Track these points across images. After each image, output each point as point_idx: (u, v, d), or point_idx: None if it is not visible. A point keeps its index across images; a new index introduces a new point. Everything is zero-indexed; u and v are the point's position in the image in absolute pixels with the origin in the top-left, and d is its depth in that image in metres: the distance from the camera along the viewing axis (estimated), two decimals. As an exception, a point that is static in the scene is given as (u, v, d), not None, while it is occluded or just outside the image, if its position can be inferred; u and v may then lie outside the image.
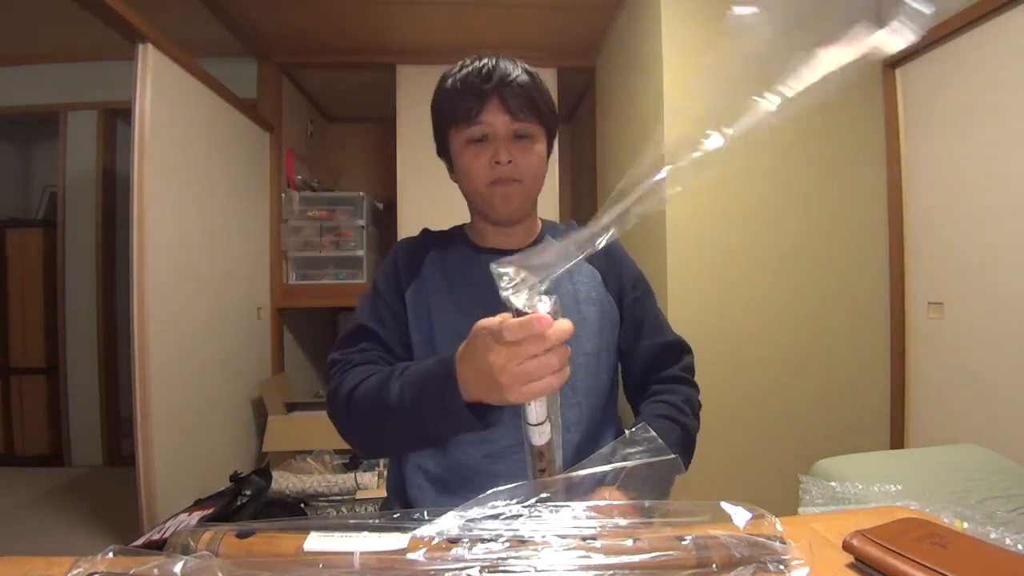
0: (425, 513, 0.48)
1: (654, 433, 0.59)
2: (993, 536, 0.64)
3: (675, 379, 0.81)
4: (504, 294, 0.49)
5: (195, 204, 1.99)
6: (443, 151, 0.82)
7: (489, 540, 0.45)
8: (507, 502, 0.49)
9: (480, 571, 0.42)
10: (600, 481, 0.57)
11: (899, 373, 1.82)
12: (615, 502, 0.54)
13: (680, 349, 0.84)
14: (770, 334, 1.81)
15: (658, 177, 0.49)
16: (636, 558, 0.44)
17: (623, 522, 0.48)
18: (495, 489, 0.50)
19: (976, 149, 1.55)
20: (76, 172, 2.88)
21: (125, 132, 2.87)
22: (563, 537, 0.45)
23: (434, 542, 0.44)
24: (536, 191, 0.79)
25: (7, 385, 2.92)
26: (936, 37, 1.63)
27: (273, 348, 2.66)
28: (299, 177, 2.81)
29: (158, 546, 0.44)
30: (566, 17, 2.33)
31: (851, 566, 0.48)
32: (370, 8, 2.26)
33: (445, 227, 0.89)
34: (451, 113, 0.75)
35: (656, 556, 0.44)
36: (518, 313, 0.51)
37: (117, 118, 2.93)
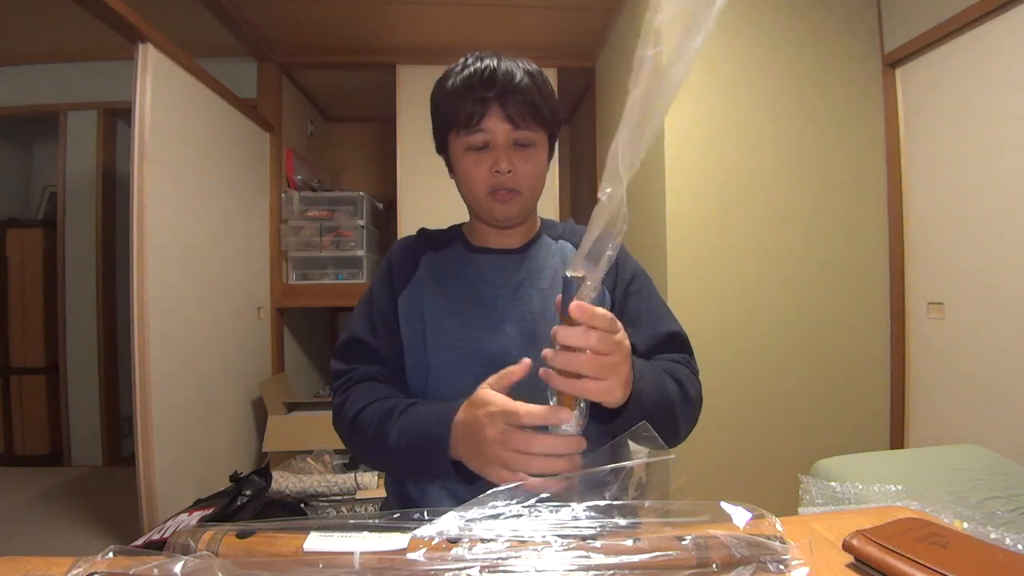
0: (425, 513, 0.48)
1: (654, 433, 0.59)
2: (993, 536, 0.64)
3: (677, 361, 0.79)
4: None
5: (195, 204, 1.99)
6: (442, 150, 0.81)
7: (489, 540, 0.45)
8: (507, 502, 0.48)
9: (480, 571, 0.42)
10: (601, 482, 0.57)
11: (899, 373, 1.82)
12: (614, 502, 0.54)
13: (682, 342, 0.81)
14: (770, 334, 1.81)
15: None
16: (636, 558, 0.44)
17: (623, 522, 0.48)
18: (495, 489, 0.50)
19: (976, 149, 1.55)
20: (76, 172, 2.88)
21: (125, 132, 2.87)
22: (563, 537, 0.45)
23: (434, 542, 0.44)
24: (536, 198, 0.79)
25: (7, 385, 2.92)
26: (936, 37, 1.64)
27: (273, 348, 2.66)
28: (299, 177, 2.81)
29: (158, 546, 0.44)
30: (566, 17, 2.33)
31: (851, 566, 0.48)
32: (370, 8, 2.26)
33: (445, 227, 0.89)
34: (451, 117, 0.74)
35: (656, 556, 0.44)
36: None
37: (117, 118, 2.93)
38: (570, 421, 0.53)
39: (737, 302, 1.80)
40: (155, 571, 0.40)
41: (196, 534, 0.46)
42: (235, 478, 1.79)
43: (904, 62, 1.80)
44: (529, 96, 0.72)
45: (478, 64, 0.72)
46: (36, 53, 2.75)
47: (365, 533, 0.45)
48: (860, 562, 0.48)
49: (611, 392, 0.54)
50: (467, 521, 0.46)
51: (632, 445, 0.59)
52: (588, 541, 0.45)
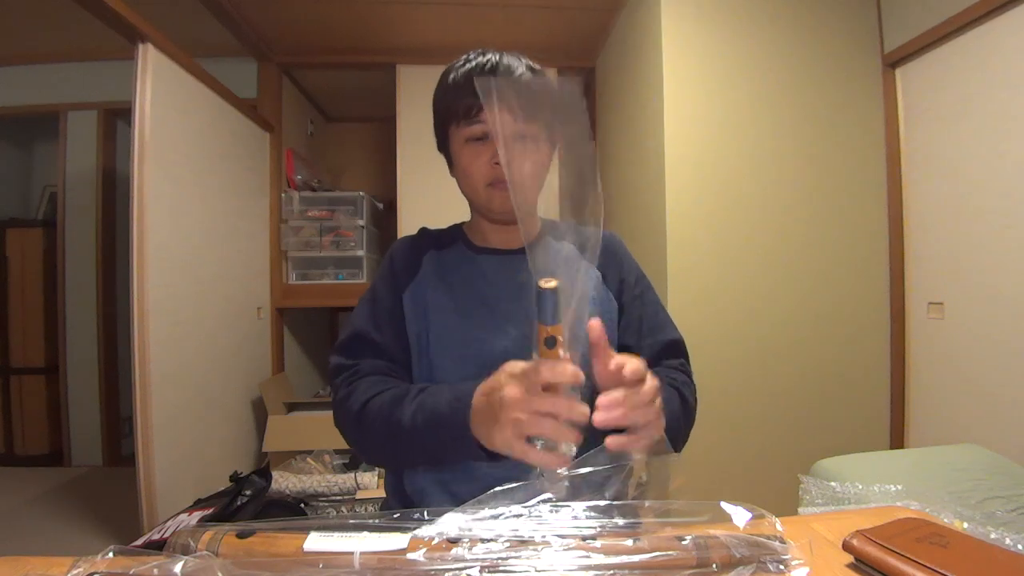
0: (425, 513, 0.48)
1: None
2: (993, 536, 0.64)
3: (673, 368, 0.80)
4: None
5: (195, 204, 1.99)
6: (443, 147, 0.81)
7: (489, 540, 0.45)
8: (507, 502, 0.48)
9: (480, 571, 0.42)
10: (601, 482, 0.57)
11: (899, 373, 1.82)
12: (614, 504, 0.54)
13: (680, 349, 0.83)
14: (770, 334, 1.81)
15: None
16: (636, 558, 0.44)
17: (623, 522, 0.48)
18: (495, 489, 0.50)
19: (976, 149, 1.55)
20: (76, 172, 2.88)
21: (125, 132, 2.87)
22: (563, 537, 0.45)
23: (434, 542, 0.44)
24: (537, 193, 0.78)
25: (7, 385, 2.92)
26: (936, 37, 1.64)
27: (273, 348, 2.66)
28: (299, 177, 2.81)
29: (158, 546, 0.44)
30: (566, 17, 2.33)
31: (851, 566, 0.48)
32: (370, 8, 2.26)
33: (445, 227, 0.88)
34: (451, 110, 0.74)
35: (656, 556, 0.44)
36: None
37: (117, 118, 2.93)
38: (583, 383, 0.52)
39: (737, 302, 1.80)
40: (155, 571, 0.40)
41: (196, 534, 0.46)
42: (235, 478, 1.79)
43: (904, 62, 1.80)
44: (530, 89, 0.72)
45: (480, 58, 0.73)
46: (36, 53, 2.75)
47: (365, 533, 0.45)
48: (860, 562, 0.48)
49: (658, 432, 0.57)
50: (467, 521, 0.46)
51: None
52: (588, 541, 0.45)
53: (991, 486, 1.14)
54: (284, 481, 1.99)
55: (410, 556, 0.43)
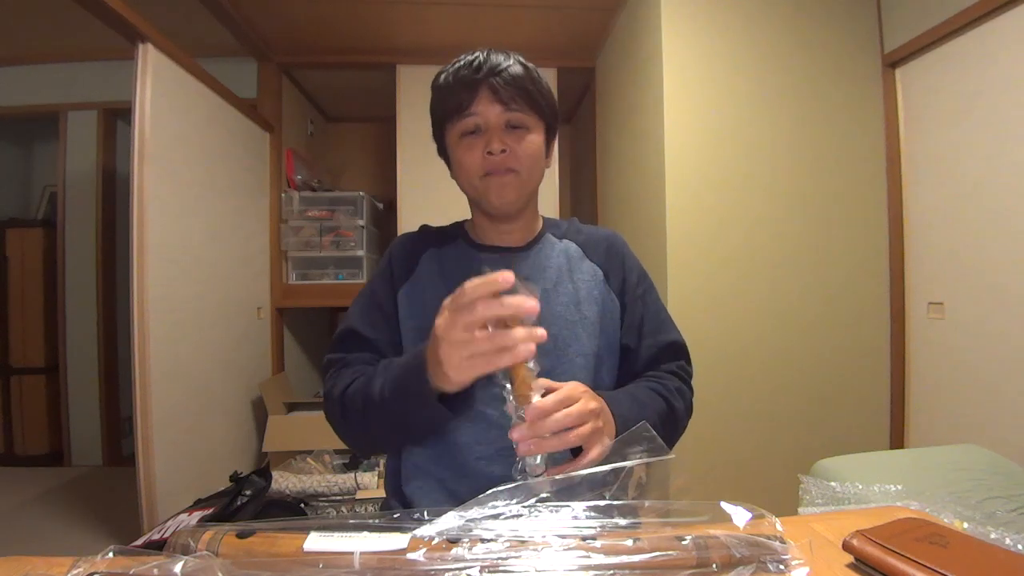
0: (425, 513, 0.48)
1: (654, 432, 0.59)
2: (993, 536, 0.64)
3: (671, 372, 0.81)
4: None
5: (195, 204, 1.99)
6: (442, 150, 0.81)
7: (489, 540, 0.45)
8: (507, 502, 0.48)
9: (480, 571, 0.42)
10: (601, 482, 0.58)
11: (899, 373, 1.82)
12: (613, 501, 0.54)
13: (681, 351, 0.83)
14: (770, 334, 1.81)
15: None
16: (636, 558, 0.44)
17: (623, 522, 0.48)
18: (495, 489, 0.49)
19: (976, 149, 1.55)
20: (76, 172, 2.88)
21: (125, 132, 2.87)
22: (563, 537, 0.45)
23: (434, 542, 0.44)
24: (534, 183, 0.78)
25: (7, 385, 2.92)
26: (936, 37, 1.64)
27: (273, 348, 2.66)
28: (299, 177, 2.81)
29: (158, 546, 0.44)
30: (566, 17, 2.33)
31: (851, 566, 0.48)
32: (370, 8, 2.26)
33: (446, 224, 0.88)
34: (444, 108, 0.74)
35: (656, 556, 0.44)
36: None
37: (117, 118, 2.93)
38: (535, 306, 0.50)
39: (737, 302, 1.80)
40: (155, 571, 0.40)
41: (196, 534, 0.46)
42: (235, 478, 1.79)
43: (904, 62, 1.80)
44: (519, 80, 0.72)
45: (468, 57, 0.73)
46: (36, 53, 2.75)
47: (365, 533, 0.45)
48: (860, 562, 0.48)
49: (602, 446, 0.59)
50: (467, 521, 0.46)
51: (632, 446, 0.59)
52: (588, 541, 0.45)
53: (991, 486, 1.14)
54: (284, 481, 1.99)
55: (410, 556, 0.43)
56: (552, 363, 0.72)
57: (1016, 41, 1.42)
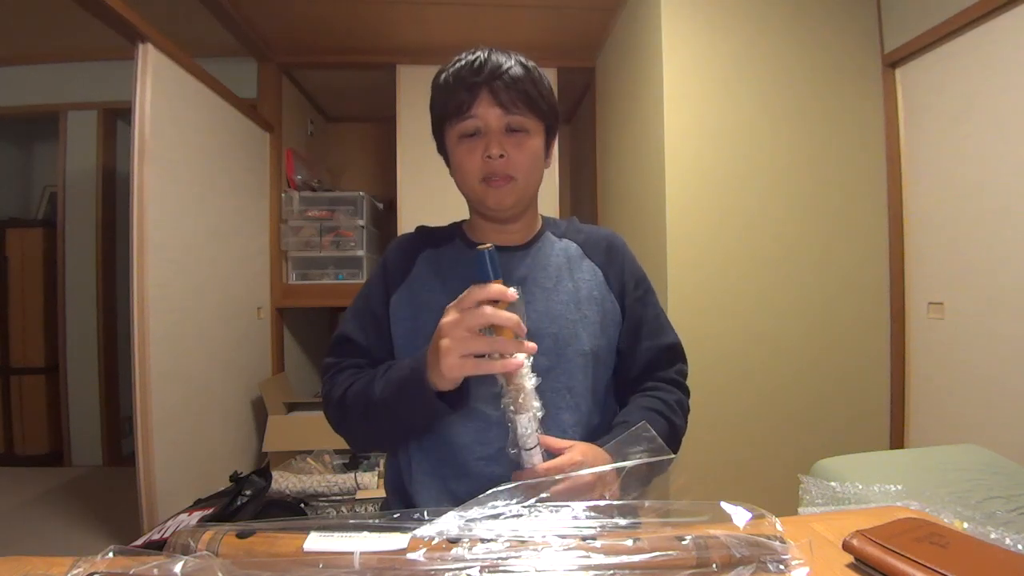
0: (425, 513, 0.48)
1: (654, 432, 0.59)
2: (993, 536, 0.64)
3: (670, 381, 0.81)
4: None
5: (195, 204, 1.99)
6: (442, 149, 0.81)
7: (489, 540, 0.45)
8: (507, 502, 0.48)
9: (480, 571, 0.42)
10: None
11: (899, 373, 1.82)
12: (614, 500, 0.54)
13: (679, 353, 0.84)
14: (770, 334, 1.81)
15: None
16: (636, 558, 0.44)
17: (623, 522, 0.48)
18: (495, 489, 0.50)
19: (976, 149, 1.55)
20: (76, 172, 2.88)
21: (125, 132, 2.87)
22: (563, 537, 0.45)
23: (434, 542, 0.44)
24: (532, 188, 0.78)
25: (7, 385, 2.92)
26: (936, 37, 1.64)
27: (273, 348, 2.66)
28: (299, 177, 2.81)
29: (158, 546, 0.44)
30: (566, 17, 2.33)
31: (851, 566, 0.48)
32: (370, 8, 2.26)
33: (444, 224, 0.88)
34: (444, 108, 0.74)
35: (656, 556, 0.44)
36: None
37: (117, 118, 2.93)
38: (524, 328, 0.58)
39: (737, 302, 1.80)
40: (155, 571, 0.40)
41: (196, 534, 0.46)
42: (235, 478, 1.79)
43: (904, 62, 1.80)
44: (520, 83, 0.71)
45: (469, 56, 0.73)
46: (36, 53, 2.75)
47: (365, 533, 0.45)
48: (860, 562, 0.48)
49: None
50: (467, 521, 0.46)
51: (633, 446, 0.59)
52: (588, 541, 0.45)
53: (991, 486, 1.14)
54: (284, 481, 1.99)
55: (410, 556, 0.43)
56: (552, 362, 0.72)
57: (1016, 41, 1.42)
